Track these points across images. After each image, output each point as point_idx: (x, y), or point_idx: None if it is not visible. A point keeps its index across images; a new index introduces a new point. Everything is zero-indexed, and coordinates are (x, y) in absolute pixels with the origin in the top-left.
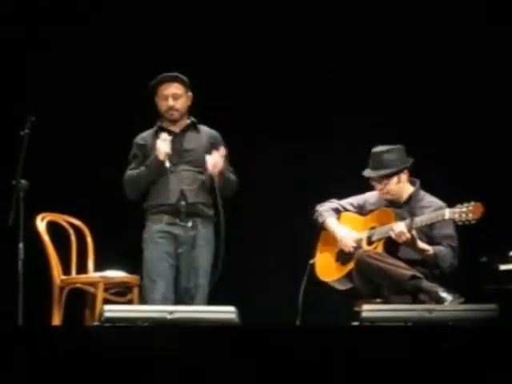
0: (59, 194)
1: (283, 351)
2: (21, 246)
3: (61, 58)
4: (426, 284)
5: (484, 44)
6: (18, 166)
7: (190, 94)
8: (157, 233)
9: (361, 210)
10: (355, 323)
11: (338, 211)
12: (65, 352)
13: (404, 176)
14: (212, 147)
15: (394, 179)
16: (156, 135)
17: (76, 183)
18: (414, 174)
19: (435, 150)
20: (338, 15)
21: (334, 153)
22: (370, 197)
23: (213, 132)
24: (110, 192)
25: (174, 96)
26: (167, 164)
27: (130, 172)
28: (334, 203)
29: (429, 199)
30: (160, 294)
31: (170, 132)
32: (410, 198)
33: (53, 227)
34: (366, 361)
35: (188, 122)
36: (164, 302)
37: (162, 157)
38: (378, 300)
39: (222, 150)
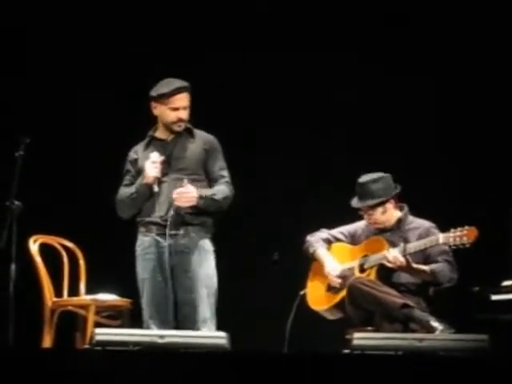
0: (53, 215)
1: (273, 378)
2: (13, 267)
3: (55, 79)
4: (418, 313)
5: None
6: (11, 187)
7: None
8: (147, 248)
9: (352, 240)
10: (346, 351)
11: (328, 241)
12: (55, 375)
13: (390, 205)
14: (206, 153)
15: (380, 209)
16: (148, 146)
17: (70, 205)
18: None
19: (430, 175)
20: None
21: (325, 181)
22: (360, 225)
23: (209, 137)
24: (104, 215)
25: (185, 108)
26: (156, 189)
27: (122, 192)
28: (324, 233)
29: (418, 221)
30: (145, 321)
31: (162, 141)
32: (399, 222)
33: (45, 249)
34: None
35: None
36: (148, 326)
37: (150, 181)
38: (370, 328)
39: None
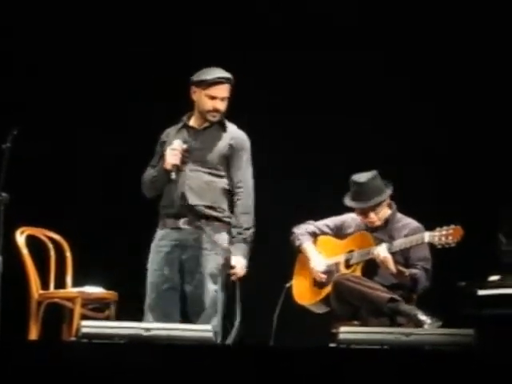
0: (39, 208)
1: (259, 372)
2: None
3: (45, 69)
4: (405, 307)
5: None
6: None
7: None
8: (159, 240)
9: (338, 232)
10: (332, 345)
11: (314, 234)
12: (41, 367)
13: (388, 200)
14: (230, 149)
15: (385, 204)
16: (179, 132)
17: (56, 198)
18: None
19: (414, 171)
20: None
21: (314, 176)
22: (347, 218)
23: (238, 133)
24: (91, 207)
25: (223, 99)
26: (173, 176)
27: (147, 173)
28: (310, 225)
29: (405, 221)
30: (145, 313)
31: (193, 129)
32: (387, 220)
33: (32, 241)
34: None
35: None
36: (147, 319)
37: (168, 167)
38: (356, 322)
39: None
